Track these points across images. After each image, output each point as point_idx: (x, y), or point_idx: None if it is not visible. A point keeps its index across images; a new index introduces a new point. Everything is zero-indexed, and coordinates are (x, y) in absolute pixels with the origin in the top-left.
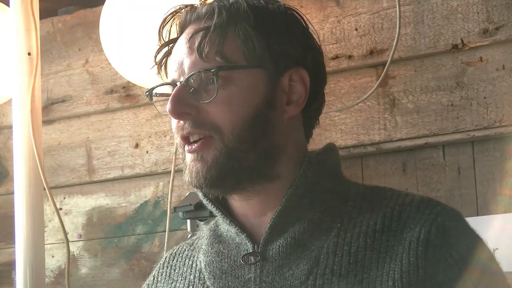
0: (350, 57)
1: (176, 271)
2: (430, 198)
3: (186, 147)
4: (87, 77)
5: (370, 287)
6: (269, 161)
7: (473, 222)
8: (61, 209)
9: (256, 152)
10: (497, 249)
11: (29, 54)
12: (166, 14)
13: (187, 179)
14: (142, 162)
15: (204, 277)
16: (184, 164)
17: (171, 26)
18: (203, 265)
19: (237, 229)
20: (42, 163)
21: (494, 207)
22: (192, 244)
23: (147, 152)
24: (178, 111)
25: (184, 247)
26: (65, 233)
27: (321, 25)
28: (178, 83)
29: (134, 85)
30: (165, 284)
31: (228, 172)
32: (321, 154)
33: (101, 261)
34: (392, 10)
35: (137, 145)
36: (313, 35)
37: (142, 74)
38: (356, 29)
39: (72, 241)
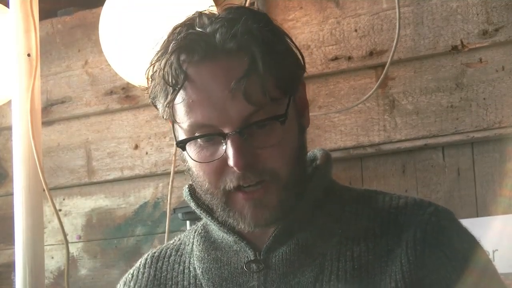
0: (349, 58)
1: (164, 274)
2: (422, 199)
3: (241, 195)
4: (86, 78)
5: None
6: (304, 179)
7: (473, 223)
8: (60, 210)
9: (302, 177)
10: (496, 250)
11: (28, 55)
12: (163, 50)
13: (247, 225)
14: (141, 163)
15: (201, 283)
16: (236, 210)
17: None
18: (199, 272)
19: (236, 237)
20: (41, 164)
21: (493, 208)
22: (178, 249)
23: (146, 153)
24: (248, 164)
25: (169, 252)
26: (65, 234)
27: (321, 26)
28: (231, 133)
29: (134, 86)
30: (149, 284)
31: (291, 207)
32: (325, 164)
33: (100, 262)
34: (392, 11)
35: (136, 146)
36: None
37: (142, 76)
38: (356, 30)
39: (72, 242)
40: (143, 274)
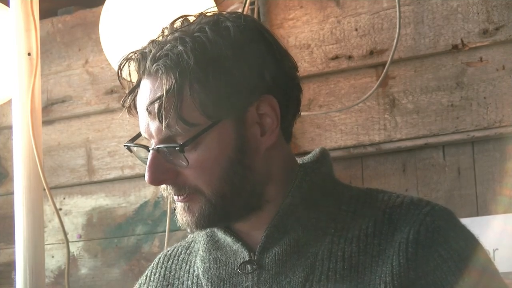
0: (350, 57)
1: (172, 273)
2: (420, 199)
3: (175, 197)
4: (87, 77)
5: None
6: (256, 198)
7: (473, 222)
8: (61, 209)
9: (241, 197)
10: (497, 249)
11: (29, 54)
12: (121, 60)
13: (179, 223)
14: (142, 163)
15: (202, 283)
16: (176, 207)
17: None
18: (200, 271)
19: (232, 238)
20: (42, 163)
21: (494, 207)
22: (188, 247)
23: None
24: (157, 180)
25: (180, 250)
26: (65, 234)
27: (321, 26)
28: (151, 149)
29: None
30: (158, 284)
31: (216, 220)
32: (315, 162)
33: (101, 261)
34: (392, 10)
35: None
36: (275, 45)
37: None
38: (356, 29)
39: (72, 242)
40: (154, 274)
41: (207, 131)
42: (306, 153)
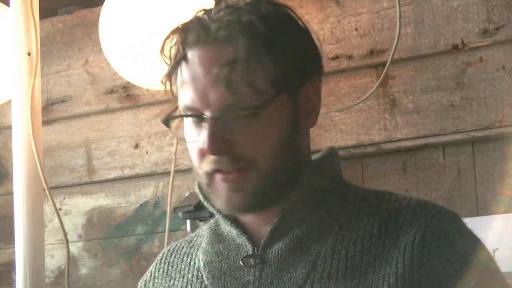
0: (350, 57)
1: (174, 268)
2: (427, 201)
3: (219, 176)
4: (87, 77)
5: None
6: (295, 176)
7: (473, 222)
8: (60, 209)
9: (286, 173)
10: (497, 249)
11: (29, 54)
12: (172, 30)
13: (221, 207)
14: (142, 163)
15: (202, 276)
16: (215, 191)
17: (173, 40)
18: (201, 264)
19: (238, 231)
20: (41, 163)
21: (494, 207)
22: (191, 241)
23: (147, 152)
24: (218, 149)
25: (183, 244)
26: (65, 234)
27: (321, 25)
28: (207, 117)
29: (134, 85)
30: (162, 280)
31: (265, 198)
32: (322, 160)
33: (101, 261)
34: (392, 10)
35: (136, 146)
36: (313, 34)
37: (142, 74)
38: (356, 29)
39: (72, 242)
40: (158, 270)
41: (272, 101)
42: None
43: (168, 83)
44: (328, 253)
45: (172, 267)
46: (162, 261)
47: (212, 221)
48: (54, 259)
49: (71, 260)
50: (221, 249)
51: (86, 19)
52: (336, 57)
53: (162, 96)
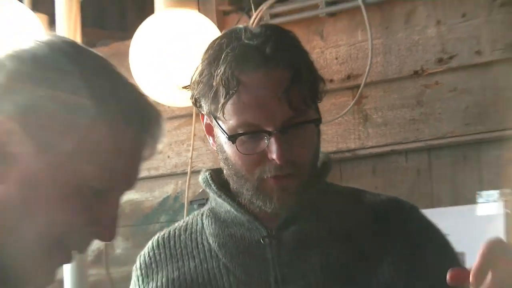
0: (331, 80)
1: (178, 251)
2: (396, 197)
3: (274, 181)
4: None
5: (372, 277)
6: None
7: (429, 213)
8: None
9: (312, 178)
10: (448, 234)
11: None
12: (221, 59)
13: (273, 205)
14: (164, 165)
15: (217, 255)
16: (264, 192)
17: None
18: (215, 245)
19: (250, 217)
20: None
21: (446, 201)
22: (186, 229)
23: (168, 157)
24: (286, 159)
25: (177, 232)
26: None
27: None
28: (274, 132)
29: (158, 102)
30: (169, 263)
31: (303, 197)
32: (329, 164)
33: (131, 243)
34: (365, 43)
35: (160, 151)
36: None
37: (164, 94)
38: (336, 58)
39: None
40: (159, 254)
41: (319, 116)
42: None
43: (217, 107)
44: (336, 242)
45: (175, 250)
46: (161, 247)
47: (203, 212)
48: (94, 241)
49: (108, 242)
50: (233, 232)
51: (120, 50)
52: None
53: (181, 111)
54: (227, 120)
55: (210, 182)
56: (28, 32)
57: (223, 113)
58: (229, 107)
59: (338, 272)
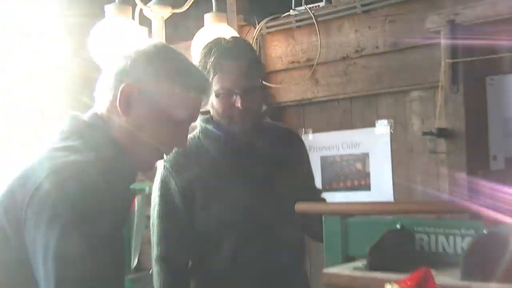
0: (299, 62)
1: (187, 163)
2: (293, 129)
3: (238, 114)
4: None
5: (288, 177)
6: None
7: (349, 132)
8: None
9: (258, 117)
10: (361, 143)
11: None
12: (208, 50)
13: (240, 126)
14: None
15: (216, 157)
16: (236, 119)
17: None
18: (213, 150)
19: (226, 134)
20: None
21: (359, 126)
22: (185, 152)
23: None
24: (244, 107)
25: (177, 155)
26: None
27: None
28: (239, 92)
29: None
30: (185, 171)
31: (254, 125)
32: (266, 112)
33: None
34: (317, 42)
35: None
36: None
37: None
38: (301, 50)
39: None
40: (177, 165)
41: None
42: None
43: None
44: (267, 150)
45: (184, 166)
46: (174, 163)
47: (194, 136)
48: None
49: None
50: (223, 141)
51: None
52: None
53: None
54: (214, 87)
55: (207, 118)
56: (138, 39)
57: (212, 83)
58: (215, 79)
59: (269, 166)
